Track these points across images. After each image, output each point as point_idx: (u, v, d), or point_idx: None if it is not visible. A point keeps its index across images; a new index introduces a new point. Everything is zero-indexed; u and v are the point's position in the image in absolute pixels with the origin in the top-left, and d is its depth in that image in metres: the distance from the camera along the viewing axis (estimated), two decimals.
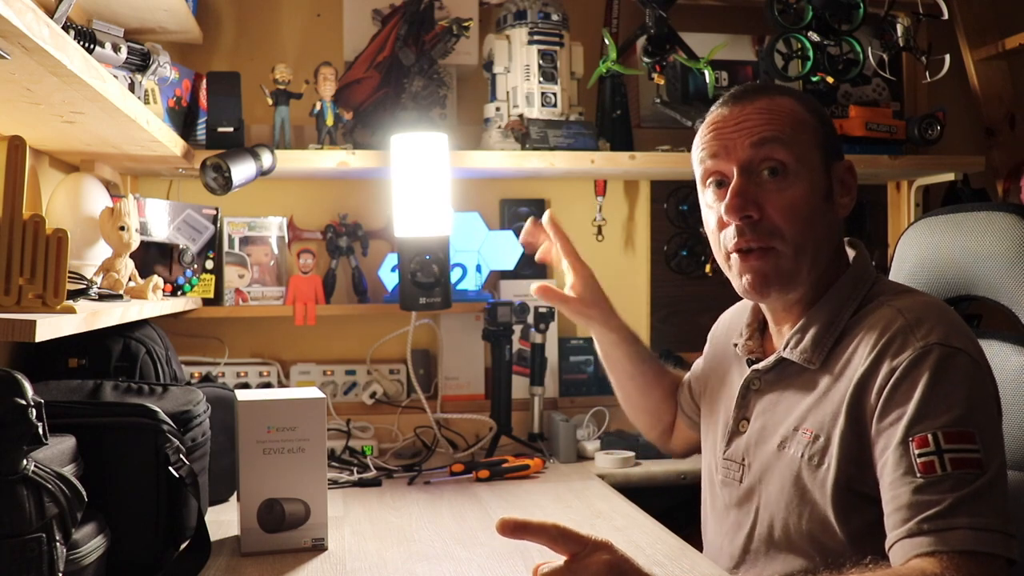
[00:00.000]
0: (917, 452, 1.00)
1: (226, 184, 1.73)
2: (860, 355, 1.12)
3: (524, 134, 2.03)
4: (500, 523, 0.95)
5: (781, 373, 1.22)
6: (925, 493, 0.99)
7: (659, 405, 1.53)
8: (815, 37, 2.06)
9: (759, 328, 1.31)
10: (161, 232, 1.89)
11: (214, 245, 2.01)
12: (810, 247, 1.16)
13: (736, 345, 1.32)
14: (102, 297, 1.42)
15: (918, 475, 1.00)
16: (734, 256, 1.18)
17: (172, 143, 1.65)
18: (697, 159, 1.24)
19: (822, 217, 1.18)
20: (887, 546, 1.01)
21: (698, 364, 1.49)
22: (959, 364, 1.05)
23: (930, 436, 1.00)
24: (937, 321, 1.09)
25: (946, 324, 1.09)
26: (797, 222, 1.15)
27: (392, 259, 2.14)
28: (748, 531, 1.21)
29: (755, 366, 1.25)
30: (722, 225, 1.19)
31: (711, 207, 1.22)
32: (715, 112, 1.23)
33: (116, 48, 1.42)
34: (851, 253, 1.24)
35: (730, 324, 1.42)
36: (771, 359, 1.23)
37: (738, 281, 1.19)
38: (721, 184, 1.20)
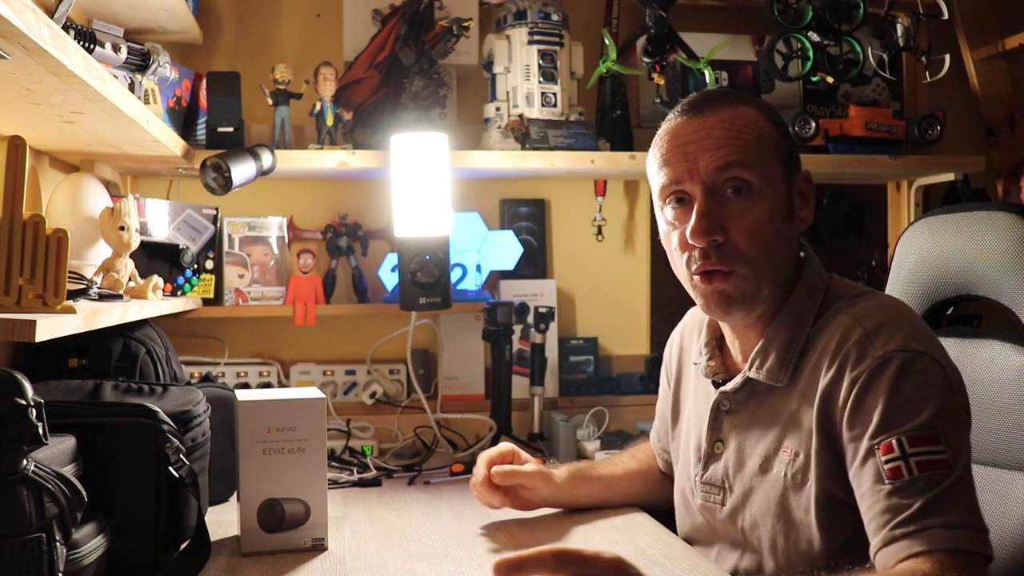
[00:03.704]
0: (884, 459, 1.01)
1: (226, 184, 1.73)
2: (822, 369, 1.11)
3: (524, 134, 2.03)
4: (495, 568, 0.81)
5: (750, 393, 1.21)
6: (896, 498, 0.99)
7: (647, 483, 1.51)
8: (815, 37, 2.06)
9: (717, 346, 1.29)
10: (161, 232, 1.89)
11: (214, 245, 2.01)
12: (770, 268, 1.15)
13: (696, 365, 1.31)
14: (102, 297, 1.42)
15: (887, 482, 1.00)
16: (696, 277, 1.16)
17: (172, 143, 1.65)
18: (655, 171, 1.20)
19: (783, 236, 1.17)
20: (871, 555, 1.01)
21: (660, 406, 1.49)
22: (920, 368, 1.05)
23: (894, 441, 1.01)
24: (895, 327, 1.08)
25: (905, 328, 1.08)
26: (760, 246, 1.14)
27: (392, 259, 2.14)
28: (737, 553, 1.21)
29: (722, 388, 1.23)
30: (685, 246, 1.16)
31: (672, 224, 1.19)
32: (673, 121, 1.19)
33: (116, 48, 1.42)
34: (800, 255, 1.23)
35: (682, 344, 1.41)
36: (738, 380, 1.21)
37: (702, 301, 1.18)
38: (682, 200, 1.17)
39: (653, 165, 1.21)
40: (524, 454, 1.47)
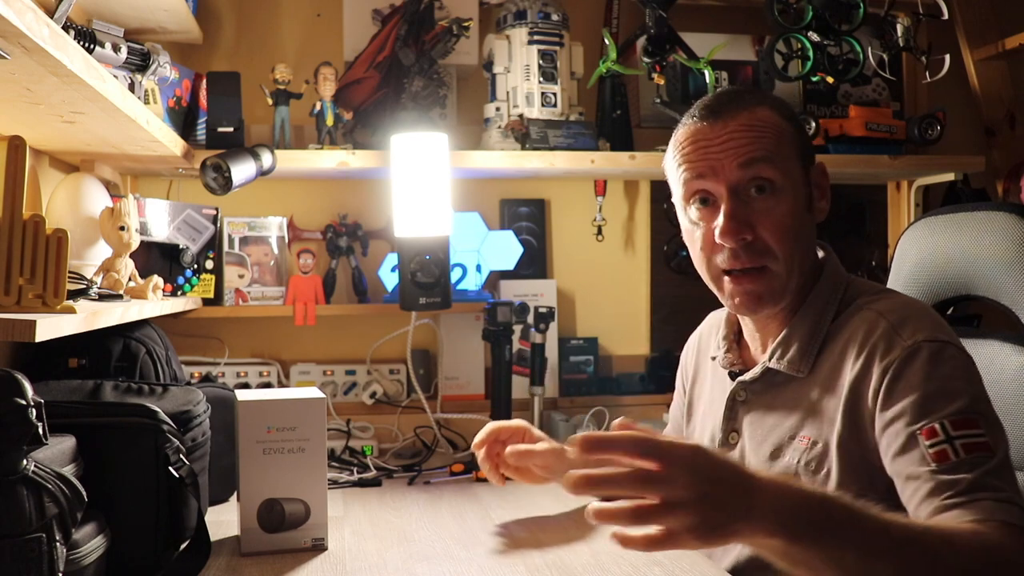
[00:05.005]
0: (928, 444, 1.01)
1: (226, 184, 1.73)
2: (848, 361, 1.12)
3: (524, 134, 2.03)
4: (579, 442, 0.83)
5: (768, 383, 1.22)
6: (944, 476, 0.99)
7: None
8: (815, 37, 2.06)
9: (735, 339, 1.31)
10: (161, 232, 1.89)
11: (214, 245, 2.01)
12: (797, 262, 1.18)
13: (715, 359, 1.32)
14: (102, 297, 1.42)
15: (932, 464, 1.00)
16: (726, 278, 1.18)
17: (172, 143, 1.65)
18: (678, 175, 1.21)
19: (806, 229, 1.20)
20: None
21: (673, 410, 1.49)
22: (950, 355, 1.07)
23: (937, 426, 1.01)
24: (919, 320, 1.11)
25: (929, 321, 1.11)
26: (787, 240, 1.16)
27: (392, 259, 2.14)
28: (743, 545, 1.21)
29: (740, 378, 1.25)
30: (711, 246, 1.18)
31: (696, 224, 1.20)
32: (692, 126, 1.20)
33: (116, 48, 1.42)
34: (820, 254, 1.25)
35: (700, 345, 1.42)
36: (757, 370, 1.23)
37: (730, 301, 1.20)
38: (706, 202, 1.18)
39: (674, 168, 1.22)
40: (536, 431, 1.46)
